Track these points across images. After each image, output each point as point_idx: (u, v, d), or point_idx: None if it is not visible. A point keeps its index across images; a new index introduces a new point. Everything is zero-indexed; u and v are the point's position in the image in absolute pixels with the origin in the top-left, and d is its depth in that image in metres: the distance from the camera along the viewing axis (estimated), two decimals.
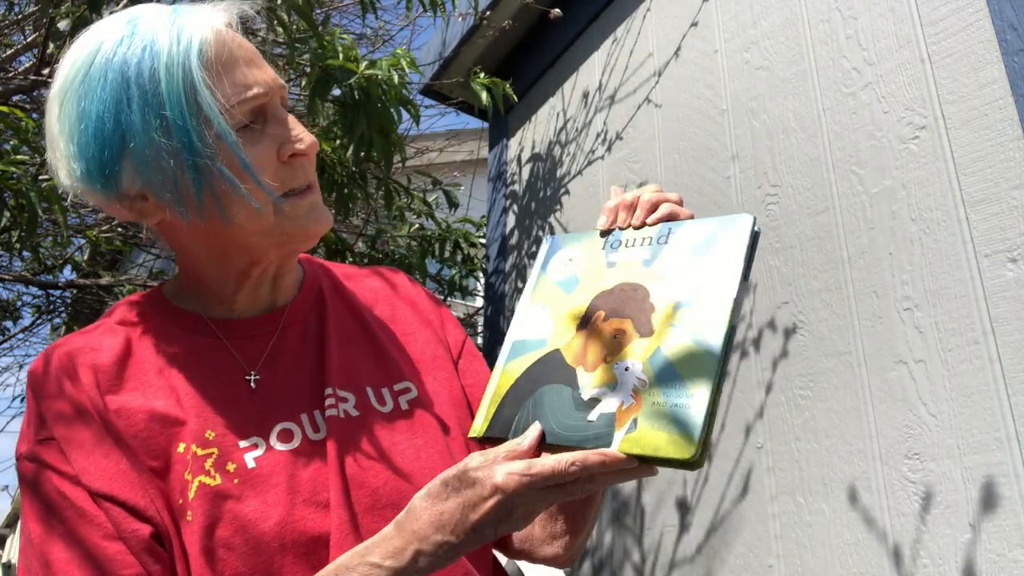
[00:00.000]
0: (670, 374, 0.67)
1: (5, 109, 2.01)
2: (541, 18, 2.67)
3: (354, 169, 2.34)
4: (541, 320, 0.79)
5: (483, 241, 3.07)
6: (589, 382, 0.70)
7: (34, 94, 2.36)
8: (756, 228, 0.75)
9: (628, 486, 1.91)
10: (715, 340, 0.67)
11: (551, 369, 0.73)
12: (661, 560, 1.76)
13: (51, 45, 1.99)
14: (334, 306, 0.90)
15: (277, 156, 0.77)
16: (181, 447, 0.75)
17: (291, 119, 0.79)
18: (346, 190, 2.35)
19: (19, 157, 2.15)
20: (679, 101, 2.05)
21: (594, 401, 0.68)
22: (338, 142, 2.26)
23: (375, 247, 2.99)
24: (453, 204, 2.84)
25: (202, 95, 0.74)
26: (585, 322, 0.75)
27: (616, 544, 1.91)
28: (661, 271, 0.75)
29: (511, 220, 2.80)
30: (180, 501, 0.72)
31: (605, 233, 0.82)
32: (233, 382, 0.80)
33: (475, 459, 0.66)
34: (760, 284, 1.67)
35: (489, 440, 0.72)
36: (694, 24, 2.04)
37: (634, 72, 2.26)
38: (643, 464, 0.64)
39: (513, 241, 2.76)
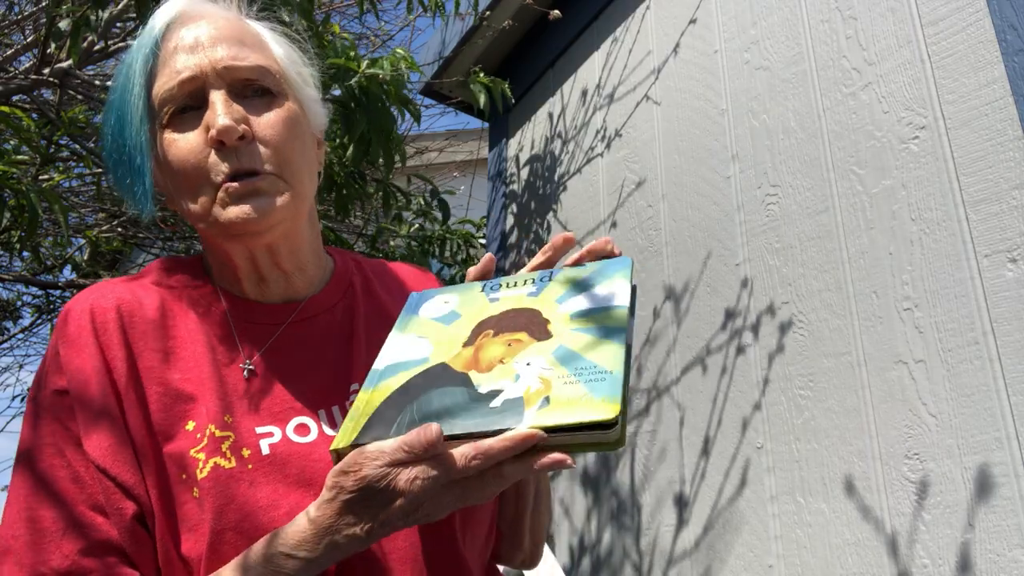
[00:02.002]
0: (577, 359, 0.64)
1: (5, 109, 2.01)
2: (541, 18, 2.67)
3: (352, 170, 2.34)
4: (416, 347, 0.73)
5: (483, 241, 3.08)
6: (485, 380, 0.65)
7: (34, 94, 2.36)
8: (633, 283, 0.75)
9: (626, 485, 1.92)
10: (618, 332, 0.66)
11: (436, 377, 0.68)
12: (659, 559, 1.76)
13: (51, 45, 1.99)
14: (366, 306, 0.89)
15: (208, 143, 0.76)
16: (190, 425, 0.74)
17: (219, 102, 0.76)
18: (345, 191, 2.35)
19: (19, 157, 2.15)
20: (679, 101, 2.05)
21: (495, 392, 0.63)
22: (337, 142, 2.26)
23: (375, 247, 2.99)
24: (446, 215, 2.82)
25: (134, 94, 0.77)
26: (472, 340, 0.71)
27: (615, 543, 1.92)
28: (549, 297, 0.74)
29: (511, 219, 2.81)
30: (184, 476, 0.72)
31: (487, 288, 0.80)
32: (243, 369, 0.80)
33: (368, 463, 0.61)
34: (760, 284, 1.67)
35: (360, 447, 0.63)
36: (692, 22, 2.04)
37: (633, 71, 2.26)
38: (556, 443, 0.58)
39: (513, 240, 2.76)
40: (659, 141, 2.09)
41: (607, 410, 0.58)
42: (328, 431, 0.78)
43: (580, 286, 0.75)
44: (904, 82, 1.47)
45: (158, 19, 0.80)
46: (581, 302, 0.72)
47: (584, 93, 2.50)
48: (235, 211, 0.76)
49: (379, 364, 0.73)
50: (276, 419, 0.77)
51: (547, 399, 0.60)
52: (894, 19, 1.52)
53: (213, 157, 0.76)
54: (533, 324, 0.71)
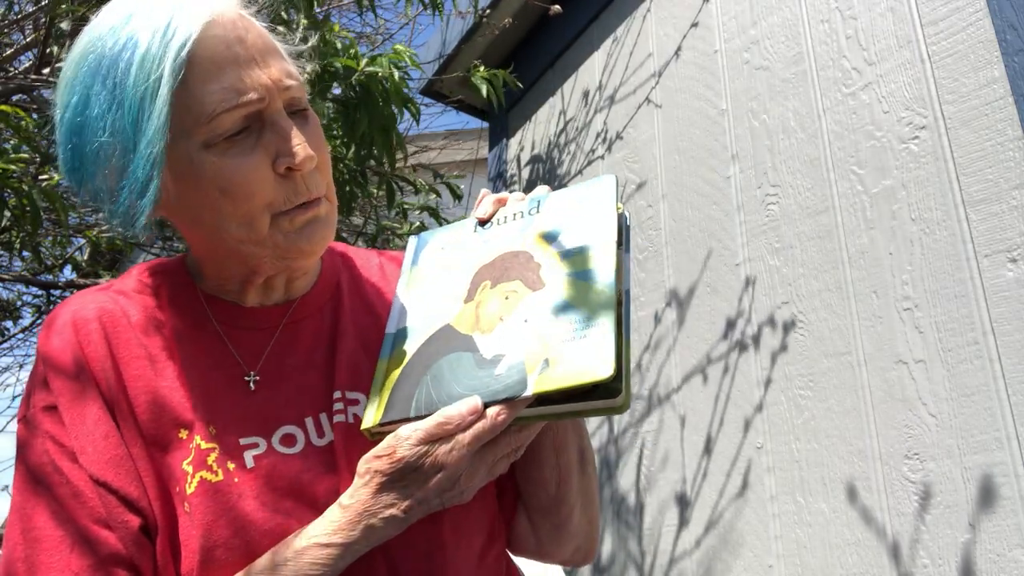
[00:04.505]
0: (569, 311, 0.66)
1: (6, 109, 2.01)
2: (541, 17, 2.67)
3: (355, 167, 2.34)
4: (421, 306, 0.77)
5: None
6: (488, 342, 0.68)
7: (34, 94, 2.36)
8: (626, 214, 0.76)
9: (628, 485, 1.92)
10: (606, 274, 0.68)
11: (444, 343, 0.71)
12: (660, 560, 1.76)
13: (51, 45, 1.99)
14: (351, 300, 0.86)
15: (273, 168, 0.71)
16: (183, 433, 0.72)
17: (293, 130, 0.72)
18: (347, 188, 2.35)
19: (20, 156, 2.15)
20: (679, 101, 2.05)
21: (499, 357, 0.67)
22: (339, 140, 2.25)
23: (375, 245, 2.99)
24: (457, 196, 2.82)
25: (160, 98, 0.67)
26: (472, 294, 0.74)
27: (617, 543, 1.92)
28: (539, 233, 0.75)
29: None
30: (177, 489, 0.70)
31: (480, 224, 0.81)
32: (232, 377, 0.76)
33: (402, 443, 0.65)
34: (760, 284, 1.68)
35: (387, 426, 0.68)
36: (694, 24, 2.04)
37: (634, 72, 2.26)
38: (564, 412, 0.64)
39: None
40: (659, 141, 2.09)
41: (604, 368, 0.61)
42: (316, 441, 0.75)
43: (567, 218, 0.75)
44: (904, 82, 1.48)
45: (188, 15, 0.69)
46: (569, 239, 0.73)
47: (585, 93, 2.50)
48: (301, 239, 0.74)
49: (391, 327, 0.77)
50: (261, 429, 0.74)
51: (547, 361, 0.63)
52: (894, 19, 1.52)
53: (280, 185, 0.72)
54: (527, 271, 0.72)
